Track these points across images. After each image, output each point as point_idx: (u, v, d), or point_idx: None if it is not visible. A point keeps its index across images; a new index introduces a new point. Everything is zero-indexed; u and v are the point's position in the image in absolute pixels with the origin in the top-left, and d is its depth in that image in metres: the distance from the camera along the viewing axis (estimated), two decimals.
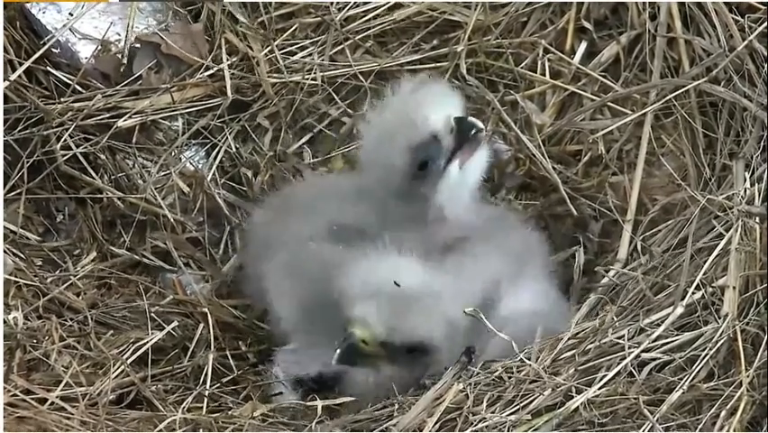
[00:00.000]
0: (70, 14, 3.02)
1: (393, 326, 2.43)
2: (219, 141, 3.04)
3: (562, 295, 2.72)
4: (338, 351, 2.44)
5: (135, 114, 2.97)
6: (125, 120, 2.95)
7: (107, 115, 2.95)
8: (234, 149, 3.04)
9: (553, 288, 2.69)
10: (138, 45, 3.03)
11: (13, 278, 2.69)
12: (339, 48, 3.05)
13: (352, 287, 2.47)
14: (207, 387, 2.57)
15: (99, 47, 3.00)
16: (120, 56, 3.01)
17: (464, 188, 2.66)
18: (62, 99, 2.94)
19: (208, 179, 3.00)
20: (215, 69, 3.01)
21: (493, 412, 2.33)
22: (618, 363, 2.36)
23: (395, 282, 2.44)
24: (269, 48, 3.03)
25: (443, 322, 2.47)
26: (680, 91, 2.80)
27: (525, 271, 2.62)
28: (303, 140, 3.05)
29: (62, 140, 2.89)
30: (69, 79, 2.96)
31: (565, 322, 2.57)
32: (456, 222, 2.67)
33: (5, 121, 2.87)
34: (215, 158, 3.03)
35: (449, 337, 2.47)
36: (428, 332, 2.46)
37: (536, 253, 2.70)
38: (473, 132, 2.59)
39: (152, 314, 2.71)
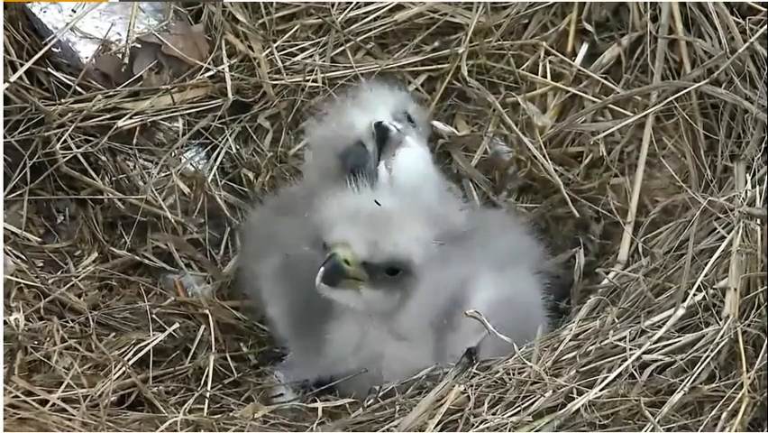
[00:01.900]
0: (73, 11, 3.02)
1: (374, 242, 2.44)
2: (219, 142, 3.03)
3: (542, 298, 2.68)
4: (321, 270, 2.45)
5: (135, 115, 2.96)
6: (125, 120, 2.95)
7: (108, 116, 2.95)
8: (235, 150, 3.03)
9: (533, 290, 2.66)
10: (139, 45, 3.02)
11: (14, 279, 2.69)
12: (340, 49, 3.05)
13: (330, 213, 2.49)
14: (209, 388, 2.57)
15: (100, 47, 3.00)
16: (120, 56, 3.00)
17: (401, 185, 2.69)
18: (63, 100, 2.94)
19: (209, 180, 2.99)
20: (216, 70, 3.01)
21: (494, 414, 2.33)
22: (620, 365, 2.36)
23: (375, 201, 2.47)
24: (270, 49, 3.03)
25: (421, 242, 2.48)
26: (681, 93, 2.81)
27: (502, 271, 2.60)
28: (304, 141, 3.05)
29: (61, 141, 2.89)
30: (70, 80, 2.96)
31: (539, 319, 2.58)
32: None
33: (6, 122, 2.86)
34: (216, 159, 3.03)
35: (425, 260, 2.48)
36: (408, 249, 2.47)
37: (520, 255, 2.69)
38: (389, 133, 2.65)
39: (154, 315, 2.71)
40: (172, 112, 3.01)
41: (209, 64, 3.02)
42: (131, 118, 2.96)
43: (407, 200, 2.55)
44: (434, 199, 2.71)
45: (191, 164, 3.02)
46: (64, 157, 2.90)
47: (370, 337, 2.52)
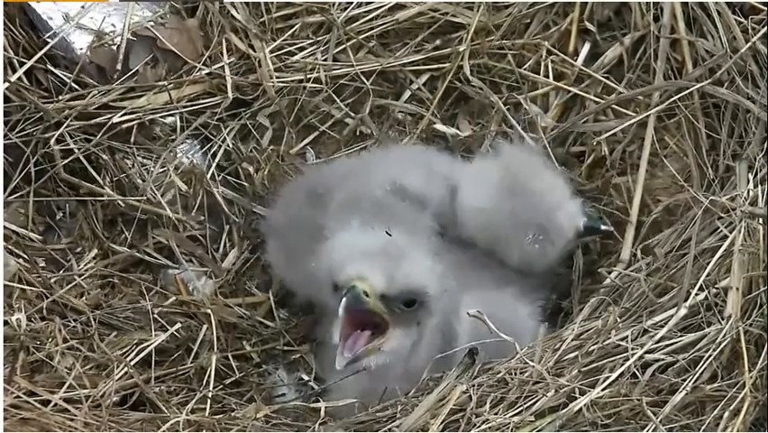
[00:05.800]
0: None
1: (390, 274, 2.41)
2: (218, 140, 3.02)
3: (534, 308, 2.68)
4: (342, 301, 2.37)
5: (132, 112, 2.95)
6: (120, 116, 2.93)
7: (107, 114, 2.94)
8: (232, 146, 3.02)
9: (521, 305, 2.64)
10: (134, 39, 3.01)
11: (15, 281, 2.69)
12: (341, 48, 3.04)
13: (340, 253, 2.46)
14: (211, 388, 2.57)
15: (95, 38, 2.98)
16: (115, 48, 2.99)
17: None
18: (60, 96, 2.93)
19: (207, 176, 2.99)
20: (213, 68, 3.00)
21: (496, 414, 2.32)
22: (622, 365, 2.36)
23: (386, 232, 2.46)
24: (270, 47, 3.02)
25: (434, 273, 2.47)
26: (683, 93, 2.80)
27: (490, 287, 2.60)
28: (305, 140, 3.05)
29: (55, 137, 2.87)
30: (66, 76, 2.95)
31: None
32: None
33: (6, 122, 2.85)
34: (214, 156, 3.02)
35: (440, 291, 2.46)
36: (422, 279, 2.45)
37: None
38: None
39: (156, 315, 2.71)
40: (171, 109, 2.99)
41: (207, 62, 3.01)
42: (127, 114, 2.95)
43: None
44: None
45: (187, 157, 3.01)
46: (63, 158, 2.89)
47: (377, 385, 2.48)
